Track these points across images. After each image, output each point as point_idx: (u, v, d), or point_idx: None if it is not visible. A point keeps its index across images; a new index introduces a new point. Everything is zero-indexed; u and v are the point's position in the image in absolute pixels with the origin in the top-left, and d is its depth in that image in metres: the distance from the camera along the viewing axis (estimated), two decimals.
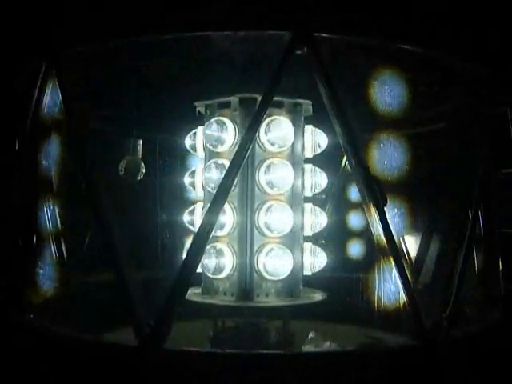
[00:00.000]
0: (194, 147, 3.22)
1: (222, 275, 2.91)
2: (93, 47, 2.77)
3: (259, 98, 2.73)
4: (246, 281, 2.91)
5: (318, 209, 3.15)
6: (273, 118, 2.90)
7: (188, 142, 3.24)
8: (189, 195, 3.26)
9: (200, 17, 2.58)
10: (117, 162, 3.65)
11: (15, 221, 3.07)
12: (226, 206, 2.85)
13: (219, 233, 2.89)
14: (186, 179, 3.24)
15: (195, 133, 3.21)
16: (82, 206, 2.72)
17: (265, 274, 2.89)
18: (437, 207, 3.34)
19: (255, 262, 2.89)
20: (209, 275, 2.93)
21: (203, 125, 3.08)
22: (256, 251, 2.90)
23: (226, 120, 2.94)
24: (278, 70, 2.58)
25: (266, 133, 2.91)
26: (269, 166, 2.91)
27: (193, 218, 3.15)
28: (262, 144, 2.93)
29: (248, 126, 2.64)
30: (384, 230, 2.60)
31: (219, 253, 2.89)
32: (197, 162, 3.21)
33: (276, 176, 2.90)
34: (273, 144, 2.93)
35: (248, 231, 2.92)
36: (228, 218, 2.88)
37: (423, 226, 3.41)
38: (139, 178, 3.68)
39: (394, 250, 2.61)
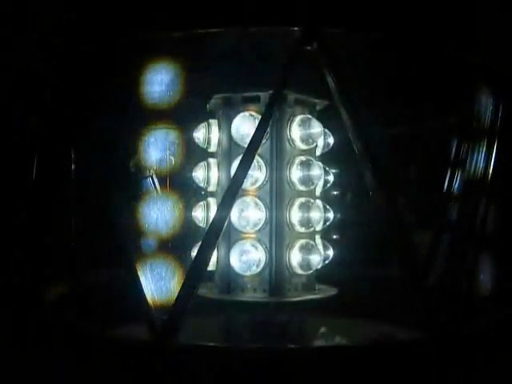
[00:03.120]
0: (204, 141, 3.18)
1: (256, 271, 2.93)
2: (101, 45, 2.79)
3: (289, 94, 2.80)
4: (277, 276, 2.94)
5: (325, 205, 3.21)
6: (306, 116, 2.97)
7: (197, 135, 3.19)
8: (200, 191, 3.26)
9: (208, 12, 2.59)
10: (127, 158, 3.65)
11: (30, 216, 3.11)
12: (259, 203, 2.90)
13: (251, 229, 2.92)
14: (198, 174, 3.20)
15: (206, 126, 3.17)
16: (94, 202, 2.76)
17: (297, 270, 2.94)
18: (448, 202, 3.33)
19: (287, 257, 2.93)
20: (240, 272, 2.94)
21: (215, 118, 3.12)
22: (287, 247, 2.94)
23: (257, 115, 2.94)
24: (289, 66, 2.58)
25: (299, 130, 2.96)
26: (301, 164, 2.95)
27: (203, 213, 3.15)
28: (292, 141, 2.97)
29: (258, 122, 2.66)
30: (395, 224, 2.61)
31: (254, 249, 2.92)
32: (207, 156, 3.19)
33: (309, 173, 2.95)
34: (303, 141, 2.98)
35: (278, 227, 2.94)
36: (261, 214, 2.92)
37: (435, 220, 3.40)
38: (150, 174, 3.68)
39: (406, 244, 2.61)
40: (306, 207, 2.94)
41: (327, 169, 3.23)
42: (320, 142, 3.15)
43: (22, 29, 3.21)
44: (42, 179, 3.14)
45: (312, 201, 2.98)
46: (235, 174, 2.61)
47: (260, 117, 2.86)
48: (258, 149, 2.62)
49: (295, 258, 2.93)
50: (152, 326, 2.52)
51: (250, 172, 2.75)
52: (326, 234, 3.25)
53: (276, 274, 2.93)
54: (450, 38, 2.71)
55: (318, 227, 3.12)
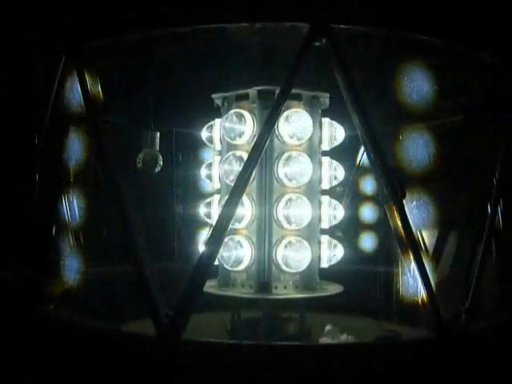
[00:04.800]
0: (210, 139, 3.21)
1: (240, 268, 2.91)
2: (110, 41, 2.78)
3: (278, 90, 2.71)
4: (265, 273, 2.91)
5: (334, 201, 3.14)
6: (292, 110, 2.89)
7: (204, 134, 3.23)
8: (205, 187, 3.27)
9: (217, 8, 2.59)
10: (135, 154, 3.67)
11: (35, 213, 3.09)
12: (245, 199, 2.85)
13: (238, 225, 2.89)
14: (203, 171, 3.24)
15: (211, 125, 3.20)
16: (100, 197, 2.75)
17: (283, 267, 2.88)
18: (456, 201, 3.33)
19: (274, 254, 2.89)
20: (227, 268, 2.93)
21: (220, 117, 3.09)
22: (274, 244, 2.90)
23: (245, 112, 2.92)
24: (297, 61, 2.57)
25: (285, 125, 2.90)
26: (287, 159, 2.89)
27: (209, 210, 3.15)
28: (281, 137, 2.92)
29: (266, 117, 2.64)
30: (402, 222, 2.60)
31: (238, 245, 2.88)
32: (213, 155, 3.19)
33: (295, 169, 2.89)
34: (292, 137, 2.92)
35: (266, 224, 2.91)
36: (247, 210, 2.88)
37: (442, 220, 3.39)
38: (157, 171, 3.70)
39: (413, 243, 2.61)
40: (294, 204, 2.88)
41: (335, 164, 3.15)
42: (325, 136, 3.09)
43: (22, 29, 3.21)
44: (42, 178, 3.13)
45: (303, 198, 2.90)
46: (241, 173, 2.57)
47: (247, 113, 2.89)
48: (264, 147, 2.58)
49: (283, 255, 2.88)
50: (158, 322, 2.49)
51: (234, 168, 2.82)
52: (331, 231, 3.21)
53: (263, 271, 2.90)
54: (459, 35, 2.72)
55: (324, 225, 3.08)
